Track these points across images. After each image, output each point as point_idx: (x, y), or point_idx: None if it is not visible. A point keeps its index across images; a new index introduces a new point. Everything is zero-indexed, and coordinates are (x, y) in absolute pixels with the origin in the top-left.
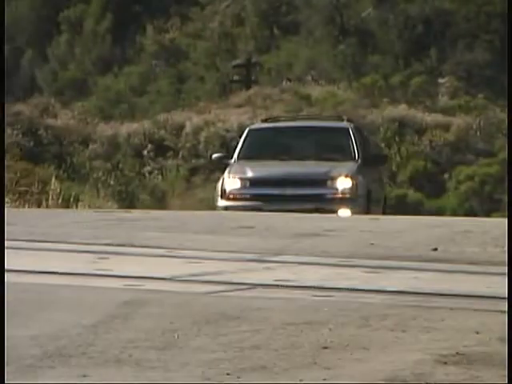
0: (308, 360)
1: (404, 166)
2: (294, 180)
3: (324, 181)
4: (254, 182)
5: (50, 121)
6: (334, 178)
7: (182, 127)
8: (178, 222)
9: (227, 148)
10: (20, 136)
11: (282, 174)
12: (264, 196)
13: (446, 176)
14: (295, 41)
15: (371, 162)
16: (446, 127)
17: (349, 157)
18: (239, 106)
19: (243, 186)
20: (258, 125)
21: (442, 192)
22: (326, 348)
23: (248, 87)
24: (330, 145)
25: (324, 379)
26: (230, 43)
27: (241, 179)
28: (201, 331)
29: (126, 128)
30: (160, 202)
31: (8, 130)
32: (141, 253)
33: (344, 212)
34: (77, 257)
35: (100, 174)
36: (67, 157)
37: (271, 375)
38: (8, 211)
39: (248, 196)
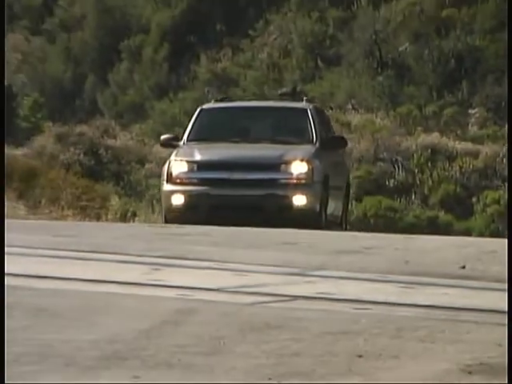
0: (343, 367)
1: (435, 190)
2: (245, 164)
3: (277, 165)
4: (202, 166)
5: (110, 141)
6: (288, 162)
7: None
8: (227, 237)
9: None
10: (82, 155)
11: (231, 158)
12: (211, 180)
13: (474, 199)
14: (337, 72)
15: (330, 146)
16: (475, 155)
17: (306, 139)
18: None
19: (190, 170)
20: (210, 104)
21: (470, 214)
22: (360, 356)
23: None
24: (286, 126)
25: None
26: (277, 73)
27: (188, 162)
28: (245, 339)
29: None
30: None
31: (71, 149)
32: (191, 265)
33: (299, 199)
34: (132, 267)
35: (155, 191)
36: (125, 175)
37: (309, 381)
38: (70, 224)
39: (195, 180)
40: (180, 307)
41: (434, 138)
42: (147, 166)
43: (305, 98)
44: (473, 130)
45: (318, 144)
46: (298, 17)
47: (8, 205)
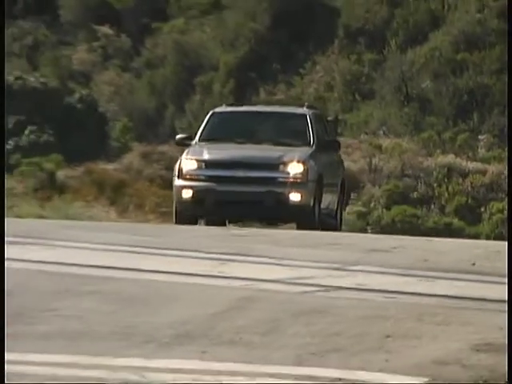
0: (375, 345)
1: (451, 201)
2: (248, 163)
3: (277, 165)
4: (209, 164)
5: None
6: (286, 163)
7: None
8: (281, 238)
9: None
10: (163, 170)
11: (236, 157)
12: (217, 177)
13: (482, 209)
14: (371, 104)
15: (326, 148)
16: (483, 172)
17: (304, 142)
18: None
19: (199, 167)
20: (222, 108)
21: (479, 221)
22: (388, 337)
23: None
24: (287, 130)
25: (386, 360)
26: (322, 104)
27: (197, 161)
28: (296, 321)
29: None
30: None
31: (154, 165)
32: (252, 260)
33: (294, 196)
34: (202, 262)
35: None
36: None
37: (346, 355)
38: (153, 226)
39: (202, 177)
40: (242, 295)
41: (450, 158)
42: None
43: (306, 104)
44: (481, 152)
45: (314, 146)
46: (340, 58)
47: (101, 209)
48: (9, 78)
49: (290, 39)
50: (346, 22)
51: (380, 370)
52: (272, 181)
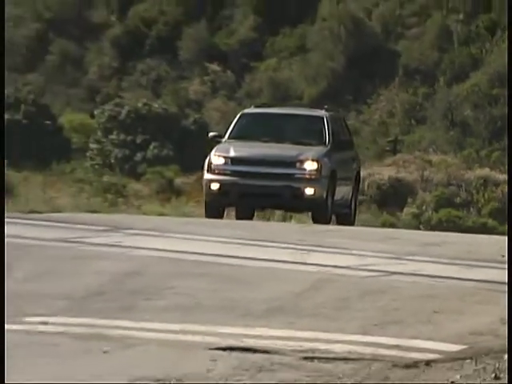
0: (424, 319)
1: (486, 205)
2: (268, 160)
3: (294, 163)
4: (235, 161)
5: None
6: (302, 161)
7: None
8: (352, 233)
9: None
10: None
11: (258, 155)
12: (241, 172)
13: None
14: (423, 127)
15: (340, 146)
16: None
17: (320, 141)
18: (389, 165)
19: (225, 163)
20: (250, 109)
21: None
22: (436, 312)
23: (394, 154)
24: (306, 130)
25: (434, 331)
26: (385, 127)
27: (224, 157)
28: (362, 299)
29: None
30: None
31: None
32: (327, 251)
33: (309, 190)
34: (288, 251)
35: None
36: None
37: (402, 327)
38: (249, 223)
39: (229, 172)
40: (320, 278)
41: (486, 171)
42: None
43: (325, 107)
44: None
45: (329, 145)
46: (399, 91)
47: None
48: (138, 104)
49: (360, 76)
50: (404, 62)
51: (429, 339)
52: (289, 176)
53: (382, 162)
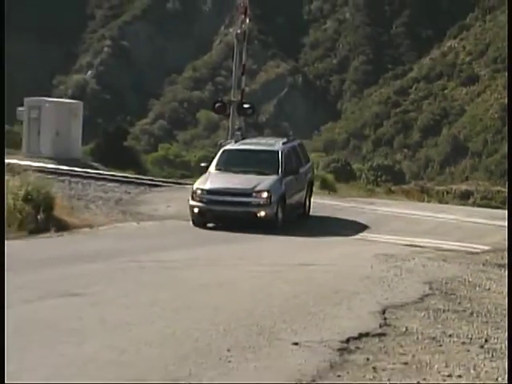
0: (477, 237)
1: None
2: (233, 192)
3: (250, 193)
4: (210, 192)
5: None
6: (257, 192)
7: None
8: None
9: None
10: None
11: (226, 188)
12: (213, 200)
13: None
14: None
15: (291, 172)
16: None
17: (275, 171)
18: None
19: (202, 193)
20: (229, 146)
21: None
22: (481, 235)
23: None
24: (265, 162)
25: (479, 241)
26: None
27: (201, 190)
28: (459, 229)
29: None
30: None
31: None
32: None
33: (262, 213)
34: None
35: None
36: None
37: (469, 240)
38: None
39: (205, 200)
40: (443, 222)
41: None
42: None
43: (284, 139)
44: None
45: (281, 174)
46: None
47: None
48: None
49: None
50: None
51: (478, 244)
52: (248, 203)
53: None
